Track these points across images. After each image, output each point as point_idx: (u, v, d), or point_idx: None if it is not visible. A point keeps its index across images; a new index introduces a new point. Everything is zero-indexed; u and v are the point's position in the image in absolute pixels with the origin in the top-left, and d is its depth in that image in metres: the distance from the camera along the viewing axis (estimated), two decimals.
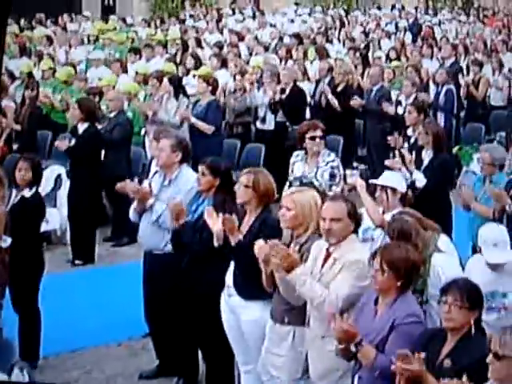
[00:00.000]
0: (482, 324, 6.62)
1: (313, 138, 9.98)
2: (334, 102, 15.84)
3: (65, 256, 13.23)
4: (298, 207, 7.13)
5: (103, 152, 13.31)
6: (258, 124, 15.69)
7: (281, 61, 19.83)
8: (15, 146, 15.19)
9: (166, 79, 14.93)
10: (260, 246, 7.00)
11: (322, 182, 9.78)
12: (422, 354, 5.74)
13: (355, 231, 6.94)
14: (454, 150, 15.85)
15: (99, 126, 13.50)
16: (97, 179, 12.61)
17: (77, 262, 12.96)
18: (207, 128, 14.23)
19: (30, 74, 17.38)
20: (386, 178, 8.68)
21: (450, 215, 10.44)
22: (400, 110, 14.64)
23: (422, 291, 7.37)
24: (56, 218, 13.56)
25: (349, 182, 8.65)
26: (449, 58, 18.46)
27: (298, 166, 10.19)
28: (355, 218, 6.86)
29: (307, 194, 7.32)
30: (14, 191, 9.58)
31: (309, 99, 16.36)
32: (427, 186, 10.13)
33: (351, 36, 23.97)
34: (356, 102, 15.68)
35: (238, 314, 7.75)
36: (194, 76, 16.23)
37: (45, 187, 13.76)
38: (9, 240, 8.66)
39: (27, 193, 9.45)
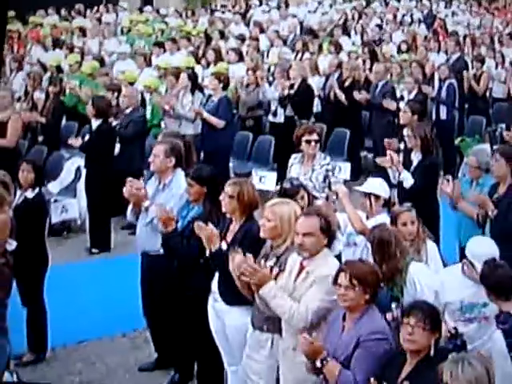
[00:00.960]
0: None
1: (308, 142, 9.70)
2: (341, 96, 15.52)
3: (84, 244, 12.99)
4: (277, 219, 6.85)
5: (119, 146, 13.06)
6: (270, 117, 15.40)
7: (297, 54, 19.43)
8: (40, 138, 14.87)
9: (184, 74, 14.64)
10: (234, 261, 6.73)
11: (317, 184, 9.50)
12: (372, 380, 5.49)
13: (329, 245, 6.58)
14: (457, 141, 15.50)
15: (115, 122, 13.27)
16: (110, 172, 12.25)
17: (93, 250, 12.74)
18: (218, 123, 13.93)
19: (58, 68, 17.10)
20: (369, 185, 8.39)
21: (438, 215, 10.04)
22: (402, 105, 14.25)
23: (399, 299, 7.12)
24: (75, 208, 13.37)
25: (333, 189, 8.30)
26: (454, 52, 17.96)
27: (294, 167, 9.88)
28: (328, 233, 6.53)
29: (287, 207, 7.00)
30: (18, 192, 9.33)
31: (319, 92, 15.99)
32: (416, 186, 9.79)
33: (366, 29, 23.42)
34: (361, 96, 15.34)
35: (223, 318, 7.52)
36: None
37: (66, 178, 13.66)
38: (14, 243, 8.44)
39: (30, 194, 9.21)
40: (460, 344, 6.59)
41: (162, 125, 14.98)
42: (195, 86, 14.52)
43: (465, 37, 22.37)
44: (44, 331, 9.47)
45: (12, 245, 8.38)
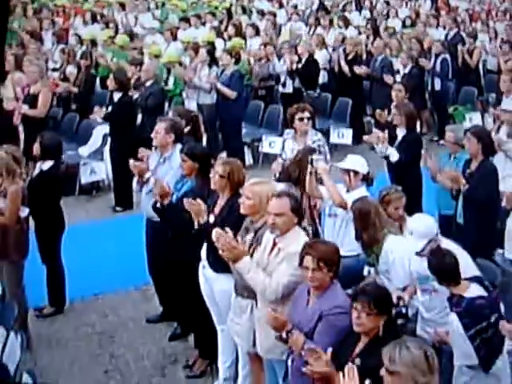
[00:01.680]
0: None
1: (301, 119, 9.39)
2: (345, 68, 15.16)
3: (110, 202, 12.87)
4: (256, 198, 6.61)
5: (141, 116, 12.85)
6: (280, 88, 15.08)
7: (310, 28, 19.06)
8: (73, 107, 14.69)
9: (202, 49, 14.40)
10: (216, 236, 6.51)
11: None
12: (329, 350, 5.26)
13: (299, 224, 6.34)
14: (450, 110, 15.21)
15: (136, 94, 13.05)
16: (132, 139, 12.03)
17: (117, 208, 12.62)
18: (230, 94, 13.70)
19: (92, 41, 16.85)
20: (349, 162, 8.13)
21: (421, 185, 9.71)
22: (398, 78, 13.97)
23: (374, 265, 7.20)
24: (103, 170, 13.25)
25: (315, 166, 8.02)
26: (451, 28, 17.49)
27: (288, 143, 9.60)
28: (298, 213, 6.29)
29: (266, 187, 6.76)
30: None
31: (326, 65, 15.63)
32: (400, 159, 9.52)
33: (376, 4, 22.91)
34: (361, 69, 14.97)
35: (211, 283, 7.32)
36: None
37: (94, 143, 13.52)
38: (26, 210, 8.35)
39: (45, 166, 9.00)
40: (405, 312, 6.48)
41: (184, 94, 14.78)
42: (212, 59, 14.21)
43: (467, 10, 21.92)
44: (62, 287, 9.39)
45: (24, 212, 8.31)
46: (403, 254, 6.81)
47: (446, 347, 6.28)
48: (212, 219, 7.14)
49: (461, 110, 14.80)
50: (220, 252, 6.31)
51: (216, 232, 6.49)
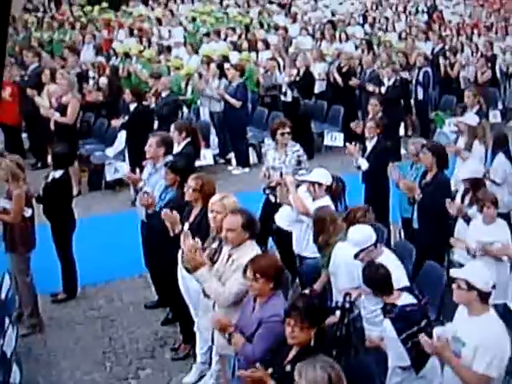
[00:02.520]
0: None
1: (282, 134, 9.15)
2: (339, 79, 14.86)
3: (131, 197, 12.68)
4: (223, 211, 6.39)
5: (157, 123, 12.71)
6: (282, 97, 14.77)
7: (316, 42, 18.73)
8: (103, 112, 14.58)
9: (213, 64, 14.21)
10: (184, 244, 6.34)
11: (290, 166, 8.99)
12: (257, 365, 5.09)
13: (252, 238, 6.13)
14: (432, 115, 14.89)
15: (153, 104, 12.92)
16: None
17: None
18: (235, 103, 13.47)
19: (126, 54, 16.71)
20: (313, 175, 7.90)
21: (388, 191, 9.46)
22: (383, 89, 13.67)
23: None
24: (124, 169, 13.07)
25: (284, 178, 7.85)
26: (437, 44, 17.11)
27: (270, 153, 9.35)
28: (250, 228, 6.08)
29: (233, 199, 6.59)
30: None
31: (324, 76, 15.33)
32: (370, 168, 9.29)
33: (379, 19, 22.46)
34: (353, 81, 14.66)
35: (186, 282, 7.15)
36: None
37: (118, 146, 13.38)
38: (30, 211, 8.26)
39: (57, 174, 8.91)
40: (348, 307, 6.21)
41: (198, 102, 14.63)
42: (222, 72, 14.01)
43: (458, 24, 21.41)
44: (73, 277, 9.31)
45: (28, 212, 8.23)
46: (347, 258, 6.62)
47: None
48: (187, 227, 7.01)
49: (441, 116, 14.47)
50: (181, 262, 6.17)
51: (185, 241, 6.35)
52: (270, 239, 9.28)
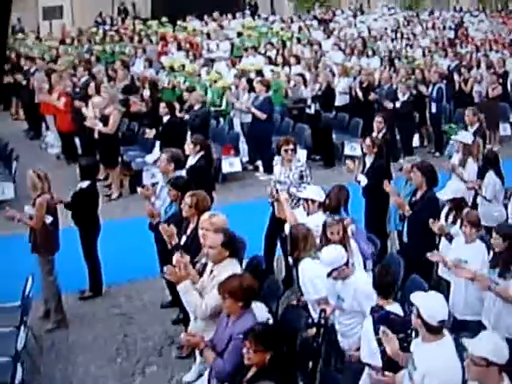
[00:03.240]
0: None
1: (286, 151, 8.89)
2: (359, 94, 14.49)
3: None
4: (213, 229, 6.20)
5: (189, 133, 12.53)
6: (307, 109, 14.44)
7: (346, 56, 18.31)
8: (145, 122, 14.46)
9: (243, 79, 13.98)
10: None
11: (293, 180, 8.75)
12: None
13: (232, 256, 5.91)
14: (446, 127, 14.36)
15: (186, 116, 12.76)
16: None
17: None
18: (261, 115, 13.23)
19: (171, 68, 16.62)
20: (307, 192, 7.62)
21: (387, 205, 9.03)
22: (398, 104, 13.25)
23: None
24: (159, 176, 12.92)
25: (279, 195, 7.59)
26: (453, 60, 16.54)
27: (277, 168, 9.13)
28: (230, 247, 5.86)
29: (221, 217, 6.37)
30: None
31: (347, 90, 14.95)
32: (368, 184, 8.94)
33: (407, 35, 21.89)
34: (371, 96, 14.27)
35: None
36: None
37: (156, 153, 13.20)
38: (50, 218, 8.17)
39: (84, 185, 8.82)
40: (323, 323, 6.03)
41: (231, 113, 14.44)
42: (251, 87, 13.77)
43: (481, 40, 20.67)
44: (98, 277, 9.20)
45: (48, 219, 8.13)
46: (311, 273, 6.37)
47: None
48: (183, 240, 6.84)
49: (453, 128, 13.90)
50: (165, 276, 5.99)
51: (175, 257, 6.18)
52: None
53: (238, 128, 14.25)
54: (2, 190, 11.82)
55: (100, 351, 8.04)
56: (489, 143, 14.68)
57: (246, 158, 14.03)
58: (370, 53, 17.38)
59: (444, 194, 7.51)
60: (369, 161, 9.10)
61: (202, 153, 9.19)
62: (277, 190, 7.60)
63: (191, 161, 9.16)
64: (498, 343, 4.24)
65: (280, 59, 17.05)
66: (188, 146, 9.21)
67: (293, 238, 6.65)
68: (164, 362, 7.77)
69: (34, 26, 29.24)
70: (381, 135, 10.09)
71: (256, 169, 13.93)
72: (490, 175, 8.91)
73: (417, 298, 4.87)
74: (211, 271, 5.93)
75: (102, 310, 8.97)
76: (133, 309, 8.96)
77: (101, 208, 11.81)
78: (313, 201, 7.49)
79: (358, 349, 5.81)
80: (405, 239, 8.04)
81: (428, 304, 4.74)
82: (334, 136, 14.03)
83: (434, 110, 14.19)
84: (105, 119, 12.33)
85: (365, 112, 14.21)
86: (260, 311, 7.10)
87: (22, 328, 6.90)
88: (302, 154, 13.50)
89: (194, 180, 8.90)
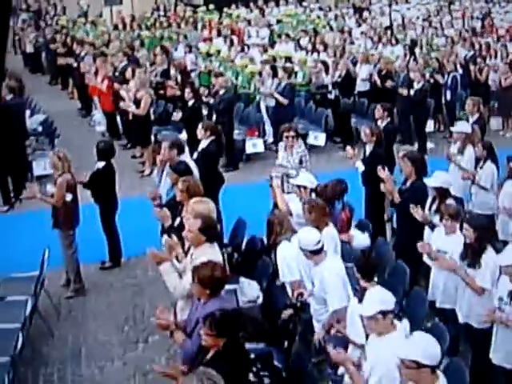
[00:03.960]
0: None
1: (287, 137, 8.71)
2: (378, 81, 14.03)
3: None
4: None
5: (215, 116, 12.35)
6: (328, 95, 14.01)
7: (374, 44, 17.75)
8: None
9: (267, 66, 13.68)
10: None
11: (293, 165, 8.58)
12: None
13: (210, 241, 5.73)
14: (460, 114, 13.82)
15: (212, 100, 12.56)
16: None
17: None
18: (283, 101, 12.96)
19: (208, 53, 16.39)
20: (300, 179, 7.39)
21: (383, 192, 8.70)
22: (412, 92, 12.78)
23: None
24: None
25: (273, 181, 7.38)
26: (469, 50, 15.87)
27: (280, 153, 8.94)
28: (207, 233, 5.69)
29: (205, 205, 6.20)
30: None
31: (368, 77, 14.48)
32: (366, 171, 8.60)
33: (430, 24, 21.05)
34: (388, 83, 13.79)
35: None
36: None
37: (184, 135, 13.04)
38: (70, 196, 8.14)
39: (100, 165, 8.74)
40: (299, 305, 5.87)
41: (258, 97, 14.18)
42: (275, 73, 13.46)
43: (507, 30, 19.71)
44: (117, 248, 9.18)
45: (68, 197, 8.11)
46: (286, 254, 6.19)
47: None
48: (177, 222, 6.70)
49: (467, 115, 13.37)
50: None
51: (165, 239, 6.06)
52: None
53: (263, 111, 13.99)
54: (44, 166, 11.84)
55: (110, 319, 8.02)
56: (502, 129, 14.15)
57: (271, 139, 13.78)
58: (393, 41, 16.77)
59: (431, 181, 7.15)
60: (368, 149, 8.76)
61: (212, 137, 8.99)
62: (271, 177, 7.37)
63: (202, 144, 8.98)
64: (429, 344, 3.96)
65: (310, 46, 16.60)
66: (199, 131, 9.01)
67: (268, 224, 6.46)
68: (167, 333, 7.69)
69: (99, 13, 29.27)
70: (384, 123, 9.67)
71: None
72: (489, 164, 8.52)
73: (369, 300, 4.58)
74: (192, 254, 5.77)
75: (118, 280, 8.95)
76: (146, 281, 8.88)
77: (132, 183, 12.00)
78: (305, 187, 7.25)
79: (338, 321, 5.61)
80: (394, 225, 7.76)
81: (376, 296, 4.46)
82: (353, 120, 13.65)
83: (448, 97, 13.67)
84: (137, 102, 12.23)
85: (383, 98, 13.74)
86: (252, 289, 7.00)
87: (30, 297, 6.88)
88: (321, 137, 13.26)
89: (205, 162, 8.84)
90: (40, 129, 13.81)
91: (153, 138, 12.77)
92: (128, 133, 14.27)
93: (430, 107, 13.29)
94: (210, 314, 4.76)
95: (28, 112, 14.94)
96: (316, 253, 5.75)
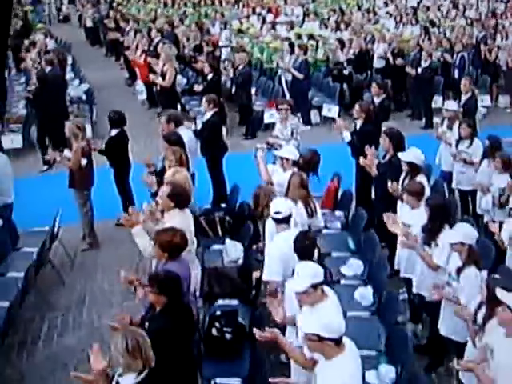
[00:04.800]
0: None
1: (280, 110, 8.48)
2: (390, 58, 13.46)
3: None
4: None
5: (234, 89, 12.14)
6: (344, 71, 13.57)
7: (396, 24, 17.03)
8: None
9: (286, 43, 13.33)
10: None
11: (286, 136, 8.34)
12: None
13: (179, 207, 5.61)
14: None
15: (231, 74, 12.32)
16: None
17: None
18: (298, 75, 12.60)
19: (239, 30, 16.06)
20: (283, 151, 7.13)
21: None
22: (419, 70, 12.24)
23: None
24: None
25: (257, 153, 7.15)
26: (481, 31, 15.05)
27: (277, 125, 8.70)
28: (174, 199, 5.57)
29: (183, 174, 6.08)
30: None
31: (383, 55, 13.92)
32: (355, 145, 8.22)
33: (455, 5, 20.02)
34: (398, 61, 13.20)
35: None
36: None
37: None
38: (84, 160, 8.13)
39: (113, 132, 8.68)
40: None
41: (279, 72, 13.85)
42: (292, 49, 13.09)
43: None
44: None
45: (83, 161, 8.11)
46: (272, 229, 5.88)
47: None
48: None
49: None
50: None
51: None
52: None
53: (283, 85, 13.67)
54: None
55: (116, 270, 8.02)
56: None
57: None
58: (413, 21, 16.06)
59: (403, 156, 6.82)
60: (358, 124, 8.42)
61: (215, 109, 8.80)
62: (256, 148, 7.16)
63: (205, 116, 8.81)
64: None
65: (333, 25, 16.07)
66: (203, 103, 8.83)
67: (255, 197, 6.26)
68: None
69: None
70: (379, 100, 9.29)
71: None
72: (476, 142, 8.09)
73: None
74: (163, 218, 5.69)
75: (130, 236, 8.88)
76: None
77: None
78: (287, 159, 7.02)
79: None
80: (373, 197, 7.47)
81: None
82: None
83: (456, 76, 13.02)
84: (163, 75, 12.10)
85: (396, 75, 13.30)
86: (236, 251, 6.88)
87: (36, 249, 6.94)
88: (334, 109, 12.90)
89: (208, 132, 8.69)
90: (84, 97, 13.90)
91: (179, 107, 12.65)
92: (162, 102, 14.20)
93: (440, 84, 12.73)
94: (155, 273, 4.69)
95: (77, 81, 15.10)
96: (278, 222, 5.56)
